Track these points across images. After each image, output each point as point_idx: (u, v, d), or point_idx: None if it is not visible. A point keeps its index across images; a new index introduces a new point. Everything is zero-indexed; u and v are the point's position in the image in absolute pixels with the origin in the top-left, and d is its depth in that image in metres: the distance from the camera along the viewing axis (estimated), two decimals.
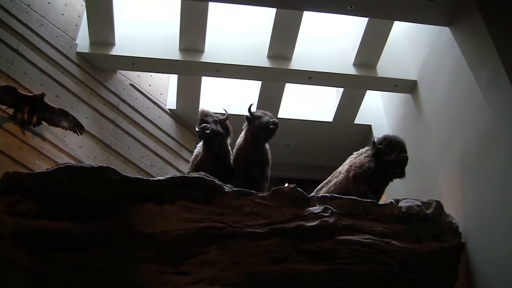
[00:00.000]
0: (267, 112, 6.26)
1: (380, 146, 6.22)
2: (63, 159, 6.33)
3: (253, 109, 6.29)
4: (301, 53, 8.03)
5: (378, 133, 7.53)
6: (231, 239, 5.31)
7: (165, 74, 8.69)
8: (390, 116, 8.93)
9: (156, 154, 7.95)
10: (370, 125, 9.27)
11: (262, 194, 5.63)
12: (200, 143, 6.49)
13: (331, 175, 6.75)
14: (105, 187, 5.26)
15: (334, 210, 5.57)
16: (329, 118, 9.15)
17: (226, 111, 6.35)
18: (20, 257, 5.12)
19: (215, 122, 6.12)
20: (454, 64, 6.63)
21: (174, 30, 7.74)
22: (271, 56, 7.95)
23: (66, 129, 6.44)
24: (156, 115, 8.28)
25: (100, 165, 5.41)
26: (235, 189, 5.59)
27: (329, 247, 5.40)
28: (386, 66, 8.15)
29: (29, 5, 6.76)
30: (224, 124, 6.25)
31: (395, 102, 8.71)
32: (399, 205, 5.84)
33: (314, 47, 8.26)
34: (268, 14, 7.90)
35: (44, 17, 6.95)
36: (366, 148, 6.51)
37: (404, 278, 5.52)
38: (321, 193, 6.29)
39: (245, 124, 6.33)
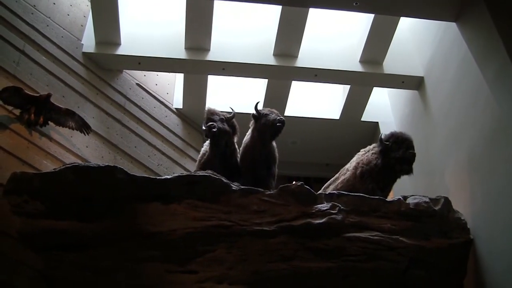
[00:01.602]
0: (273, 110, 6.26)
1: (387, 143, 6.20)
2: (70, 159, 6.33)
3: (260, 107, 6.29)
4: (307, 51, 8.01)
5: (385, 130, 7.51)
6: (238, 237, 5.31)
7: (171, 73, 8.68)
8: (397, 113, 8.90)
9: (163, 153, 7.95)
10: (377, 122, 9.25)
11: (269, 192, 5.62)
12: (207, 142, 6.49)
13: (338, 173, 6.73)
14: (112, 187, 5.26)
15: (342, 208, 5.55)
16: (336, 116, 9.12)
17: (232, 110, 6.35)
18: (27, 257, 5.15)
19: (221, 120, 6.13)
20: (461, 60, 6.61)
21: (180, 29, 7.74)
22: (277, 54, 7.94)
23: (72, 129, 6.44)
24: (163, 114, 8.28)
25: (107, 164, 5.41)
26: (242, 187, 5.59)
27: (337, 244, 5.39)
28: (393, 63, 8.12)
29: (34, 5, 6.76)
30: (231, 122, 6.26)
31: (402, 99, 8.68)
32: (407, 201, 5.82)
33: (320, 45, 8.23)
34: (273, 12, 7.89)
35: (49, 17, 6.95)
36: (373, 145, 6.49)
37: (412, 275, 5.50)
38: (328, 191, 6.26)
39: (252, 122, 6.32)
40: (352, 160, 6.59)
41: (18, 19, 6.48)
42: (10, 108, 5.96)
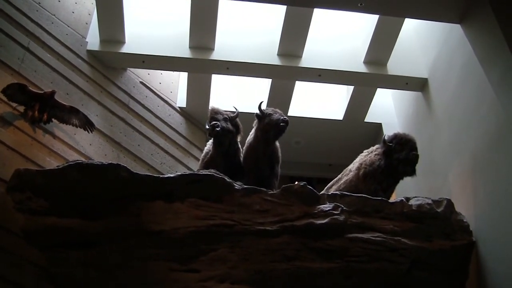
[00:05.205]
0: (277, 110, 6.25)
1: (391, 144, 6.19)
2: (73, 157, 6.34)
3: (263, 106, 6.29)
4: (312, 51, 7.99)
5: (388, 131, 7.49)
6: (241, 237, 5.32)
7: (175, 72, 8.68)
8: (400, 114, 8.88)
9: (166, 152, 7.95)
10: (380, 123, 9.23)
11: (272, 192, 5.63)
12: (210, 141, 6.50)
13: (341, 173, 6.73)
14: (115, 185, 5.28)
15: (344, 208, 5.56)
16: (340, 116, 9.10)
17: (236, 109, 6.35)
18: (30, 254, 5.17)
19: (225, 119, 6.13)
20: (465, 62, 6.60)
21: (184, 28, 7.73)
22: (281, 54, 7.92)
23: (76, 127, 6.45)
24: (166, 113, 8.28)
25: (110, 162, 5.42)
26: (245, 186, 5.60)
27: (339, 245, 5.39)
28: (397, 64, 8.10)
29: (39, 3, 6.77)
30: (234, 121, 6.26)
31: (405, 100, 8.66)
32: (410, 203, 5.82)
33: (325, 45, 8.21)
34: (278, 12, 7.88)
35: (54, 15, 6.96)
36: (377, 146, 6.48)
37: (414, 277, 5.50)
38: (331, 191, 6.26)
39: (255, 121, 6.32)
40: (355, 161, 6.58)
41: (23, 16, 6.49)
42: (14, 105, 5.97)
